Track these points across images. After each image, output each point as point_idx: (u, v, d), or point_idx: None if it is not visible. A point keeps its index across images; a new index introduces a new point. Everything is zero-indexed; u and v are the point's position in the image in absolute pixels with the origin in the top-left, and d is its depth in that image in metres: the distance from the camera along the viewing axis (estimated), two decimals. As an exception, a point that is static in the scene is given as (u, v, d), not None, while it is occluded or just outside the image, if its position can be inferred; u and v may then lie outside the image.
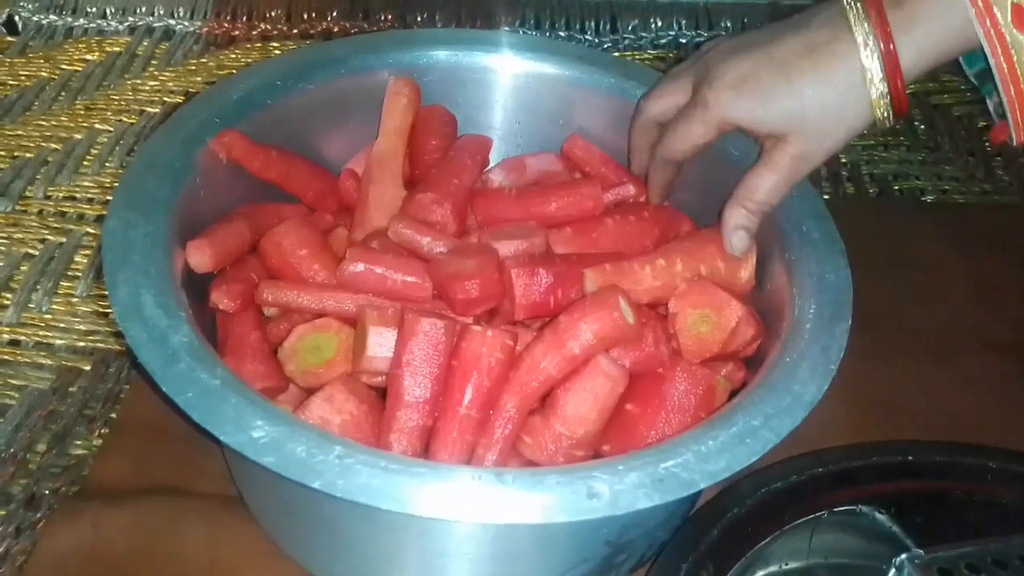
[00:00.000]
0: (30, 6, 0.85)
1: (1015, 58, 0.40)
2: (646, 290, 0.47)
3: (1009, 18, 0.39)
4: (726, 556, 0.43)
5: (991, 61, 0.40)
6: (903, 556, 0.42)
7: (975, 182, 0.75)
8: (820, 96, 0.42)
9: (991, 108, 0.45)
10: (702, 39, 0.87)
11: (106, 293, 0.60)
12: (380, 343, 0.44)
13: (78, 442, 0.53)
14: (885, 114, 0.42)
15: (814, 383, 0.39)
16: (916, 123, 0.81)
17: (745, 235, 0.46)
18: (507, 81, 0.58)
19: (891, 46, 0.41)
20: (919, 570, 0.41)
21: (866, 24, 0.41)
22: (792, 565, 0.46)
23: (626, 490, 0.34)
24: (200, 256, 0.45)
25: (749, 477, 0.46)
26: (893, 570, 0.42)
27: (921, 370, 0.60)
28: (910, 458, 0.48)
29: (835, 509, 0.45)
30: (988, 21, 0.39)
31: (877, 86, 0.41)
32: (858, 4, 0.42)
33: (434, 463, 0.37)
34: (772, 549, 0.45)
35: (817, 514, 0.45)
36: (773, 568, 0.46)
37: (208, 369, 0.37)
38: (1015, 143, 0.43)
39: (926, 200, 0.74)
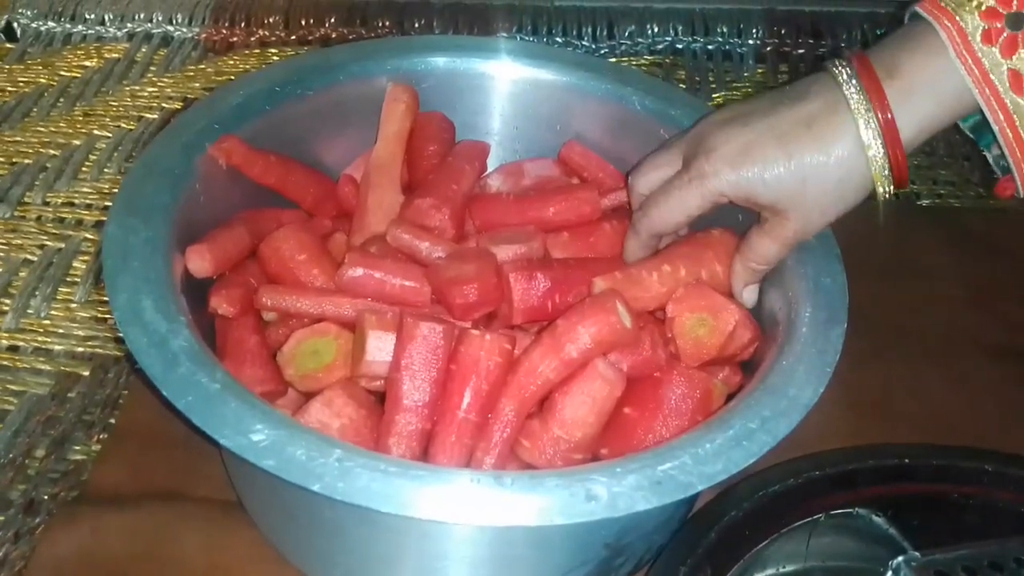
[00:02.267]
0: (29, 13, 0.85)
1: (1018, 123, 0.39)
2: (654, 297, 0.47)
3: (1008, 84, 0.39)
4: (724, 559, 0.43)
5: (995, 128, 0.40)
6: (900, 559, 0.42)
7: (970, 186, 0.76)
8: (820, 171, 0.41)
9: (990, 160, 0.45)
10: (698, 44, 0.87)
11: (105, 299, 0.61)
12: (379, 347, 0.44)
13: (77, 447, 0.54)
14: (886, 188, 0.42)
15: (810, 386, 0.39)
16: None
17: (755, 289, 0.47)
18: (505, 87, 0.58)
19: (889, 116, 0.40)
20: (916, 573, 0.41)
21: (863, 97, 0.40)
22: (789, 568, 0.47)
23: (624, 492, 0.34)
24: (199, 261, 0.46)
25: (746, 480, 0.46)
26: (890, 573, 0.42)
27: (917, 373, 0.60)
28: (907, 461, 0.48)
29: (832, 512, 0.46)
30: (987, 90, 0.39)
31: (878, 161, 0.41)
32: (853, 80, 0.41)
33: (433, 466, 0.37)
34: (769, 552, 0.45)
35: (814, 517, 0.45)
36: (771, 571, 0.46)
37: (208, 373, 0.37)
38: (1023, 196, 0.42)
39: (921, 204, 0.74)
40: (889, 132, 0.40)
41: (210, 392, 0.36)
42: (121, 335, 0.58)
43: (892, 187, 0.42)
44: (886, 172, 0.41)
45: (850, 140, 0.41)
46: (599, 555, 0.43)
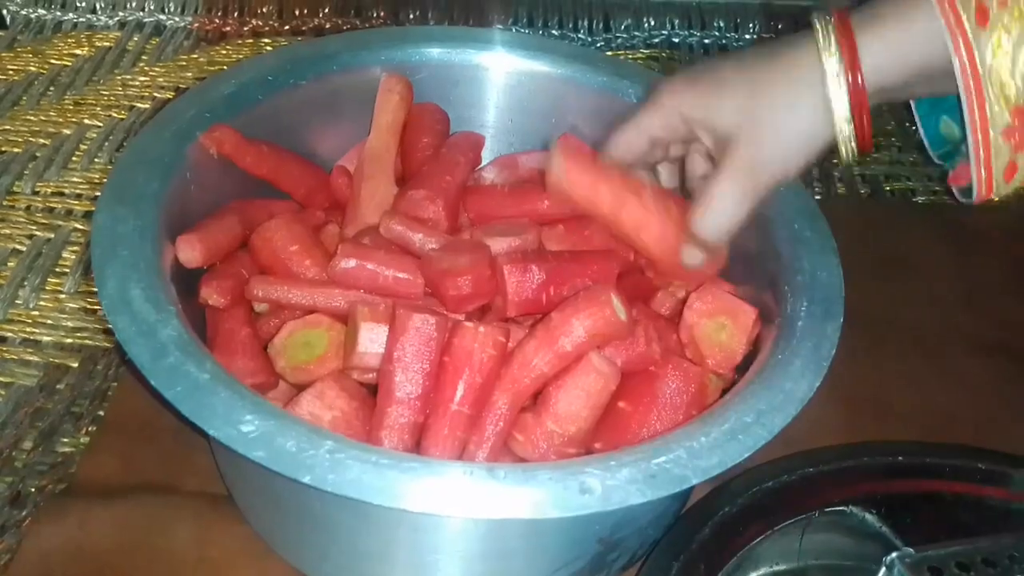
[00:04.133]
0: (19, 0, 0.84)
1: (981, 72, 0.38)
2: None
3: (975, 21, 0.38)
4: (717, 555, 0.43)
5: (959, 80, 0.38)
6: (893, 555, 0.42)
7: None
8: (780, 100, 0.40)
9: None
10: (695, 38, 0.87)
11: (94, 290, 0.60)
12: (371, 339, 0.43)
13: (65, 440, 0.53)
14: (848, 137, 0.40)
15: (806, 380, 0.39)
16: (908, 124, 0.81)
17: (697, 253, 0.45)
18: (500, 79, 0.58)
19: (853, 43, 0.39)
20: (909, 569, 0.41)
21: (831, 31, 0.39)
22: (783, 567, 0.46)
23: (618, 485, 0.34)
24: (190, 251, 0.45)
25: (740, 476, 0.46)
26: (884, 569, 0.42)
27: (912, 370, 0.60)
28: (900, 459, 0.48)
29: (825, 509, 0.45)
30: (958, 33, 0.38)
31: (842, 100, 0.39)
32: (830, 24, 0.40)
33: (425, 458, 0.37)
34: (763, 548, 0.45)
35: (808, 514, 0.45)
36: (764, 569, 0.46)
37: (197, 363, 0.37)
38: (976, 189, 0.41)
39: (917, 201, 0.74)
40: (852, 63, 0.39)
41: (199, 382, 0.36)
42: (110, 326, 0.58)
43: (853, 135, 0.40)
44: (847, 114, 0.39)
45: (814, 72, 0.39)
46: (592, 550, 0.42)
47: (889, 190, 0.75)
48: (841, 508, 0.46)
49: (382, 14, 0.85)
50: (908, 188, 0.75)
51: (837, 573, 0.47)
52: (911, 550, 0.42)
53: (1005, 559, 0.42)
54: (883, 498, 0.46)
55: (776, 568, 0.46)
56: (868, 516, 0.45)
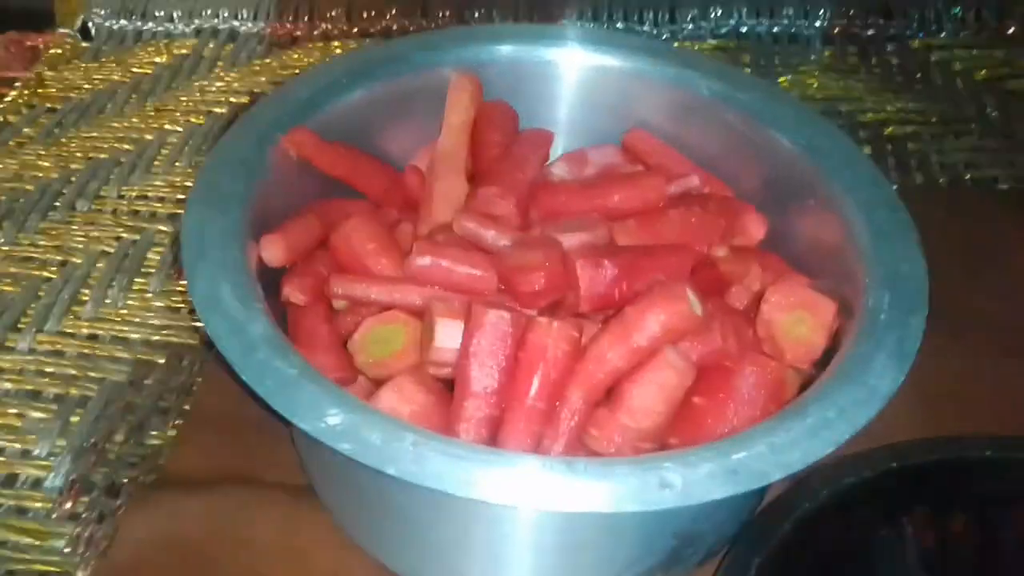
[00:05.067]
0: (102, 12, 0.88)
1: None
2: None
3: None
4: (799, 551, 0.43)
5: None
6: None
7: (1051, 169, 0.73)
8: None
9: None
10: (763, 27, 0.85)
11: (179, 288, 0.63)
12: (447, 334, 0.44)
13: (154, 433, 0.55)
14: None
15: (889, 375, 0.38)
16: (988, 110, 0.78)
17: None
18: (569, 74, 0.58)
19: None
20: None
21: None
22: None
23: (699, 480, 0.34)
24: (274, 250, 0.46)
25: (820, 471, 0.45)
26: None
27: (995, 365, 0.58)
28: (988, 453, 0.47)
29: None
30: None
31: None
32: None
33: (504, 451, 0.37)
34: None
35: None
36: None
37: (285, 359, 0.38)
38: None
39: (1000, 189, 0.72)
40: None
41: (287, 377, 0.37)
42: (196, 323, 0.60)
43: None
44: None
45: None
46: (668, 544, 0.42)
47: (969, 178, 0.73)
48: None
49: (448, 13, 0.86)
50: (989, 176, 0.73)
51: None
52: None
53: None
54: (970, 496, 0.44)
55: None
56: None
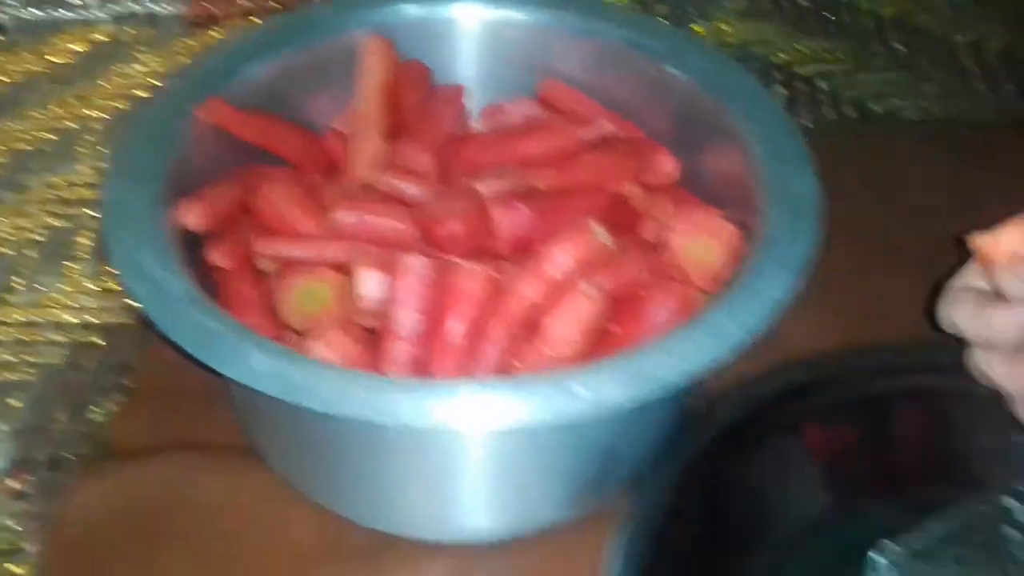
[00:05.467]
0: (14, 3, 0.86)
1: None
2: None
3: None
4: (720, 462, 0.45)
5: None
6: (872, 554, 0.40)
7: (955, 98, 0.76)
8: None
9: None
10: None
11: (112, 271, 0.63)
12: (370, 284, 0.46)
13: (97, 410, 0.56)
14: None
15: (781, 283, 0.41)
16: (895, 45, 0.81)
17: None
18: (477, 30, 0.59)
19: None
20: (896, 566, 0.40)
21: None
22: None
23: (605, 389, 0.36)
24: (194, 214, 0.47)
25: (728, 395, 0.47)
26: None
27: (904, 281, 0.61)
28: (888, 356, 0.49)
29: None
30: None
31: None
32: None
33: (424, 378, 0.39)
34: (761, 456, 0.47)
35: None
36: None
37: (206, 313, 0.39)
38: None
39: (907, 119, 0.75)
40: None
41: (209, 328, 0.38)
42: (130, 301, 0.61)
43: None
44: None
45: None
46: (597, 460, 0.44)
47: (878, 111, 0.76)
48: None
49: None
50: (897, 108, 0.76)
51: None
52: (893, 545, 0.40)
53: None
54: (875, 398, 0.47)
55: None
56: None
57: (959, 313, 0.41)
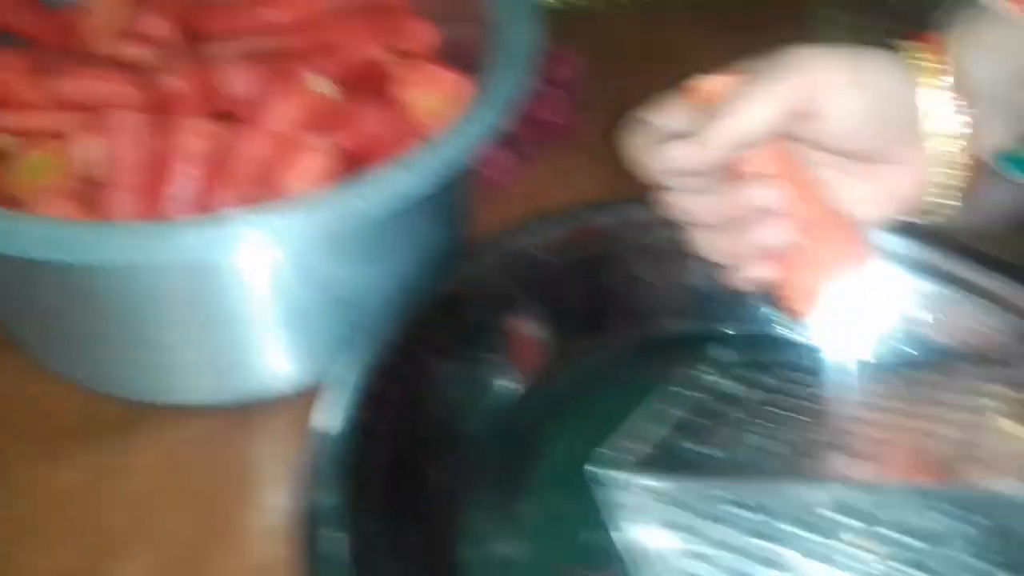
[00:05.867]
0: None
1: None
2: None
3: None
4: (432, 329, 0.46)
5: None
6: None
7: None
8: None
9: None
10: None
11: None
12: (91, 147, 0.45)
13: None
14: None
15: (487, 117, 0.42)
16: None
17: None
18: None
19: None
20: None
21: None
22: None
23: (296, 227, 0.38)
24: None
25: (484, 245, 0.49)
26: None
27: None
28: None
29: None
30: None
31: None
32: None
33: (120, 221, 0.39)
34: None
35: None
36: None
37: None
38: None
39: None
40: None
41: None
42: None
43: None
44: None
45: None
46: (332, 309, 0.46)
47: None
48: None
49: None
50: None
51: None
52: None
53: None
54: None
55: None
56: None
57: (638, 145, 0.42)
